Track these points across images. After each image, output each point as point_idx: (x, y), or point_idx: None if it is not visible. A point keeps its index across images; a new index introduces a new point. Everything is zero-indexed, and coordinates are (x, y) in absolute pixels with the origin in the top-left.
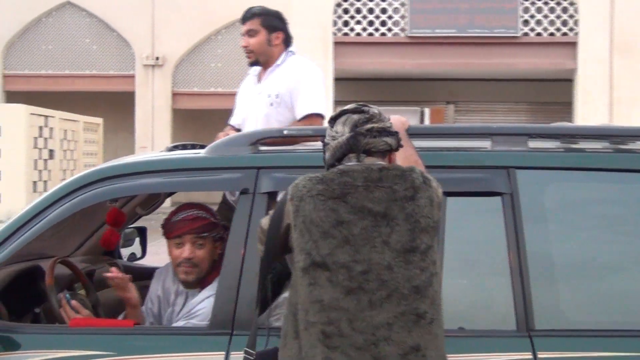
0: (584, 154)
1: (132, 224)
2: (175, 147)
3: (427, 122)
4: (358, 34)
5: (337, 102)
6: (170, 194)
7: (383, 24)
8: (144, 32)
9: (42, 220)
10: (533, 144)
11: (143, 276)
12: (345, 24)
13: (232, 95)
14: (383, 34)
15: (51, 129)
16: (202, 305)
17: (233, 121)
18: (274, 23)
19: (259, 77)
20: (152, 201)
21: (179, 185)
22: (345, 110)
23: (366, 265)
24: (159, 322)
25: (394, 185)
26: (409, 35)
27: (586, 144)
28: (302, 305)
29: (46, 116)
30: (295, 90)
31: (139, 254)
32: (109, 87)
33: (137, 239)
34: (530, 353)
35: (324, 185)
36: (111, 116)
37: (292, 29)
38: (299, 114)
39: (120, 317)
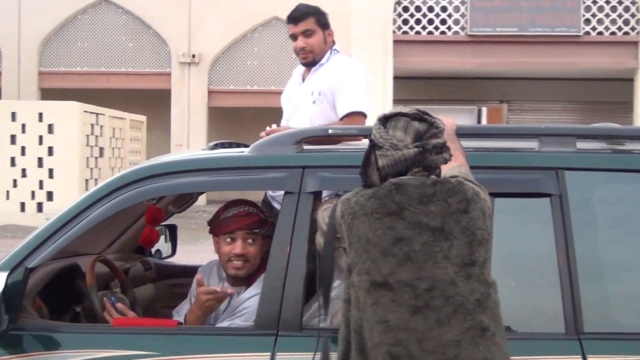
0: (634, 156)
1: (163, 222)
2: (216, 146)
3: (484, 121)
4: (418, 33)
5: (396, 101)
6: (202, 192)
7: (443, 22)
8: (180, 29)
9: (84, 218)
10: (581, 144)
11: (173, 274)
12: (405, 22)
13: (268, 93)
14: (443, 33)
15: (101, 126)
16: (247, 304)
17: (283, 123)
18: (325, 20)
19: (303, 77)
20: (184, 199)
21: (223, 184)
22: (402, 113)
23: (431, 282)
24: None
25: (448, 198)
26: (469, 34)
27: (633, 145)
28: (368, 324)
29: (97, 114)
30: (337, 89)
31: (164, 252)
32: (145, 85)
33: (163, 237)
34: (579, 356)
35: (377, 201)
36: (146, 114)
37: (352, 28)
38: (341, 113)
39: (177, 317)
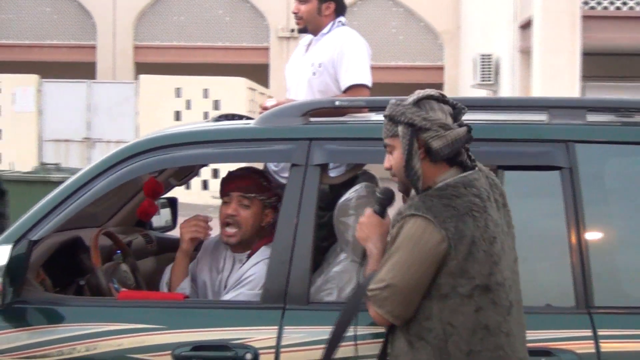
0: None
1: (163, 194)
2: (220, 118)
3: None
4: (605, 8)
5: (584, 78)
6: (203, 165)
7: None
8: (278, 3)
9: (89, 190)
10: (591, 117)
11: (174, 247)
12: None
13: None
14: (631, 8)
15: (252, 101)
16: (251, 272)
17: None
18: None
19: (307, 48)
20: (186, 172)
21: (229, 157)
22: (429, 95)
23: (510, 280)
24: (204, 291)
25: (495, 192)
26: None
27: None
28: (461, 336)
29: (253, 89)
30: (338, 61)
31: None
32: (243, 60)
33: (163, 210)
34: (590, 330)
35: (465, 199)
36: None
37: (535, 2)
38: (344, 85)
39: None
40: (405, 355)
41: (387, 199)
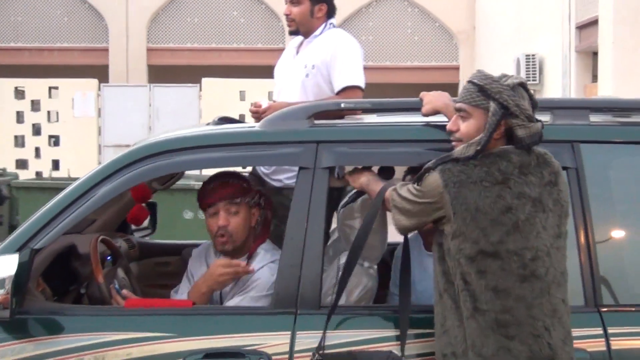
0: None
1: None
2: (221, 120)
3: None
4: None
5: None
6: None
7: None
8: None
9: (92, 197)
10: (594, 118)
11: (156, 252)
12: None
13: (384, 69)
14: None
15: None
16: (256, 277)
17: (274, 96)
18: None
19: (297, 50)
20: (169, 176)
21: (234, 161)
22: (522, 82)
23: (534, 252)
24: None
25: (543, 170)
26: None
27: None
28: (470, 293)
29: None
30: (332, 63)
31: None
32: (257, 61)
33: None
34: (600, 328)
35: (484, 169)
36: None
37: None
38: (337, 87)
39: (177, 296)
40: (436, 305)
41: None
